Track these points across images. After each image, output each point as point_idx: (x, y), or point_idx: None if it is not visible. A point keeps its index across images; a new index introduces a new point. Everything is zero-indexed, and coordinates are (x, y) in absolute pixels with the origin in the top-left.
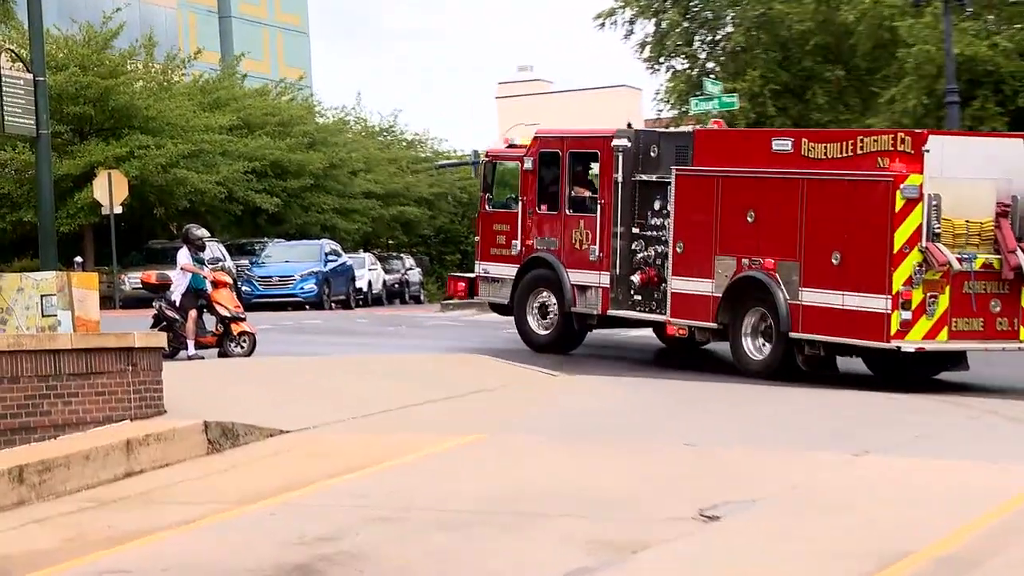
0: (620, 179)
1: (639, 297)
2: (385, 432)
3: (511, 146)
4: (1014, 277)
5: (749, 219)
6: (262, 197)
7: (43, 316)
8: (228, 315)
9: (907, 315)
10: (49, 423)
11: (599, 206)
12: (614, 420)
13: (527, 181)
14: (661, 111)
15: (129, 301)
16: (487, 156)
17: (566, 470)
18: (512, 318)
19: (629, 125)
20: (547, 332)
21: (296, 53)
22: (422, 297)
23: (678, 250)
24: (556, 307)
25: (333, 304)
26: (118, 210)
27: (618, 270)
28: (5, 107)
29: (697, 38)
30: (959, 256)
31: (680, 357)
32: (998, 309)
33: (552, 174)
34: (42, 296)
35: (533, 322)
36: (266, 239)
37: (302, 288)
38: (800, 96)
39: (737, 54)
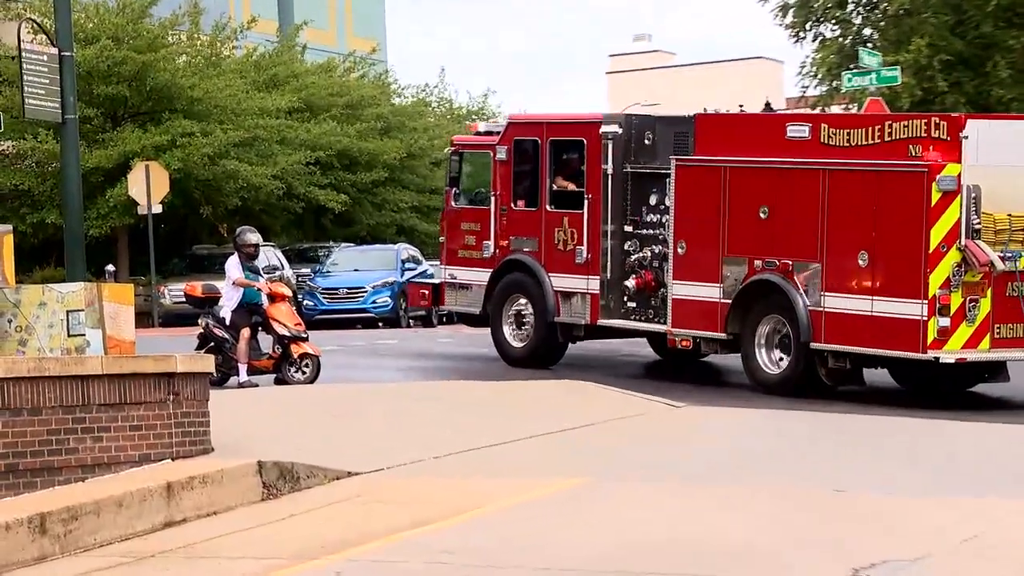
0: (610, 170)
1: (633, 304)
2: (472, 474)
3: (480, 133)
4: None
5: (762, 215)
6: (327, 193)
7: (69, 336)
8: (287, 334)
9: (945, 322)
10: (76, 463)
11: (586, 201)
12: (746, 459)
13: (500, 173)
14: (806, 88)
15: (170, 318)
16: (453, 145)
17: (688, 520)
18: (489, 330)
19: (768, 104)
20: (523, 344)
21: (368, 21)
22: None
23: (679, 251)
24: (533, 316)
25: (411, 321)
26: (157, 209)
27: (609, 274)
28: (26, 87)
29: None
30: (1002, 255)
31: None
32: None
33: (530, 165)
34: (68, 312)
35: (508, 333)
36: (332, 243)
37: (374, 302)
38: (977, 69)
39: (900, 18)
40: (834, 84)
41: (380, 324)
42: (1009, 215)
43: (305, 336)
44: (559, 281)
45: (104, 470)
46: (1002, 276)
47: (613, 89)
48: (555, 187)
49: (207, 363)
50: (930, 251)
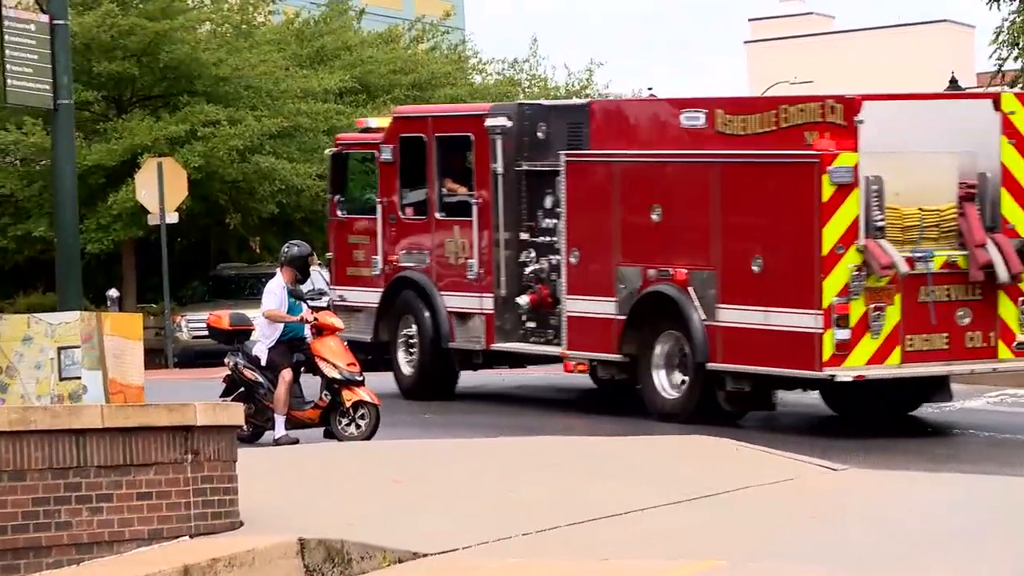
0: (500, 170)
1: (533, 324)
2: (569, 555)
3: (366, 130)
4: (985, 278)
5: (654, 217)
6: None
7: (60, 379)
8: (339, 377)
9: (844, 334)
10: (69, 540)
11: (475, 207)
12: (929, 541)
13: (386, 177)
14: (1003, 59)
15: (188, 356)
16: (336, 145)
17: None
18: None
19: (953, 81)
20: (412, 373)
21: None
22: None
23: (572, 260)
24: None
25: None
26: (173, 218)
27: (504, 290)
28: (8, 65)
29: None
30: (912, 255)
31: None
32: (968, 320)
33: (418, 167)
34: (60, 349)
35: (403, 360)
36: None
37: None
38: None
39: None
40: None
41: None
42: (921, 209)
43: (361, 379)
44: (453, 300)
45: (104, 549)
46: (913, 280)
47: (754, 62)
48: (444, 191)
49: (235, 414)
50: (823, 254)
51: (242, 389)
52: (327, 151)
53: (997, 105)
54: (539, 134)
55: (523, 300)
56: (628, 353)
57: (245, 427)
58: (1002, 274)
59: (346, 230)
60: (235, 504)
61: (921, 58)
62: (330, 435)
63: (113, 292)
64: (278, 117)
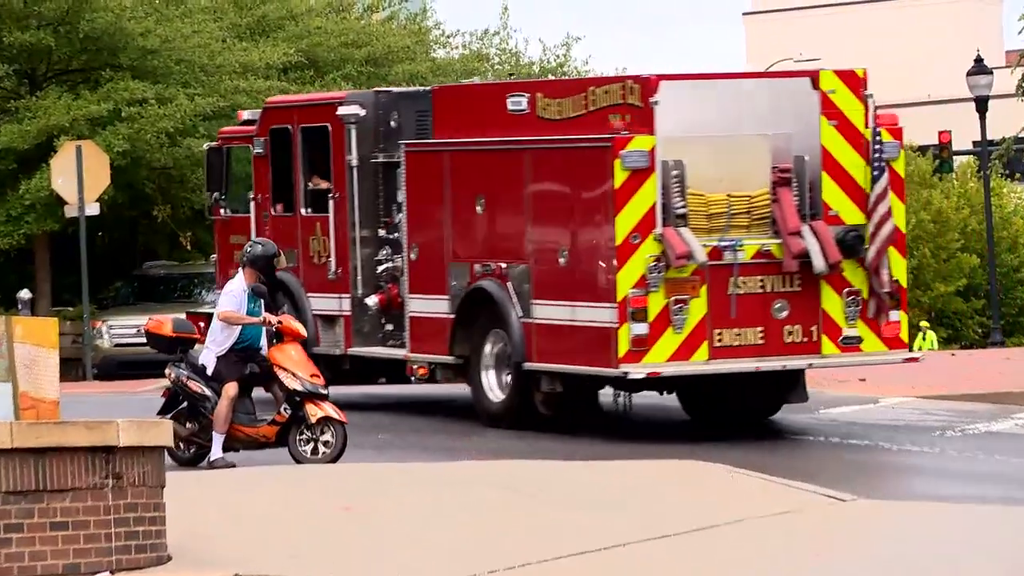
0: (355, 162)
1: (391, 327)
2: None
3: (246, 123)
4: (799, 269)
5: (479, 209)
6: None
7: None
8: (301, 389)
9: (641, 329)
10: None
11: (331, 202)
12: None
13: (259, 172)
14: None
15: (110, 366)
16: (219, 139)
17: None
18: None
19: (979, 60)
20: None
21: None
22: None
23: (412, 257)
24: None
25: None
26: (93, 210)
27: (360, 290)
28: None
29: None
30: (719, 244)
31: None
32: (785, 314)
33: (287, 160)
34: None
35: None
36: None
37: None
38: None
39: None
40: None
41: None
42: (728, 195)
43: (325, 393)
44: (318, 302)
45: None
46: (721, 270)
47: (754, 36)
48: (310, 186)
49: (163, 433)
50: (617, 243)
51: (184, 404)
52: (204, 146)
53: (816, 84)
54: (392, 123)
55: (372, 300)
56: (461, 354)
57: (183, 448)
58: (818, 264)
59: (228, 230)
60: (162, 536)
61: (943, 32)
62: (296, 458)
63: (25, 293)
64: (213, 95)
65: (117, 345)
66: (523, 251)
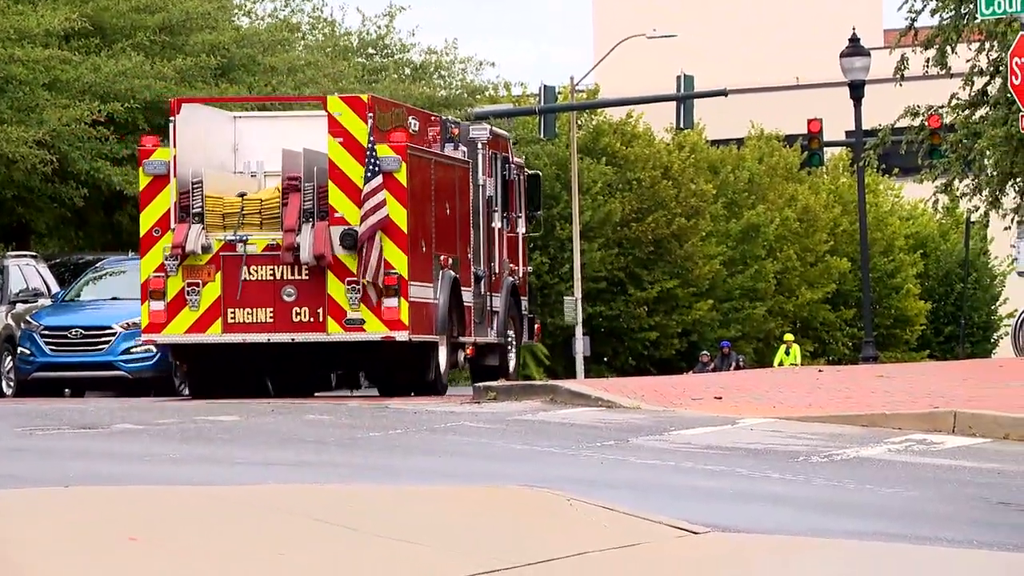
0: None
1: None
2: None
3: None
4: (294, 260)
5: None
6: (127, 172)
7: None
8: None
9: (159, 305)
10: None
11: None
12: None
13: None
14: (916, 13)
15: None
16: None
17: None
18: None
19: (856, 41)
20: None
21: None
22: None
23: None
24: None
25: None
26: None
27: None
28: None
29: None
30: (232, 239)
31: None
32: (293, 297)
33: None
34: None
35: None
36: (130, 254)
37: (126, 352)
38: None
39: None
40: (961, 9)
41: (150, 391)
42: (243, 197)
43: None
44: None
45: None
46: (234, 260)
47: (602, 11)
48: None
49: None
50: (142, 235)
51: None
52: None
53: (325, 106)
54: None
55: None
56: None
57: None
58: (304, 255)
59: None
60: None
61: (818, 13)
62: None
63: None
64: None
65: None
66: None
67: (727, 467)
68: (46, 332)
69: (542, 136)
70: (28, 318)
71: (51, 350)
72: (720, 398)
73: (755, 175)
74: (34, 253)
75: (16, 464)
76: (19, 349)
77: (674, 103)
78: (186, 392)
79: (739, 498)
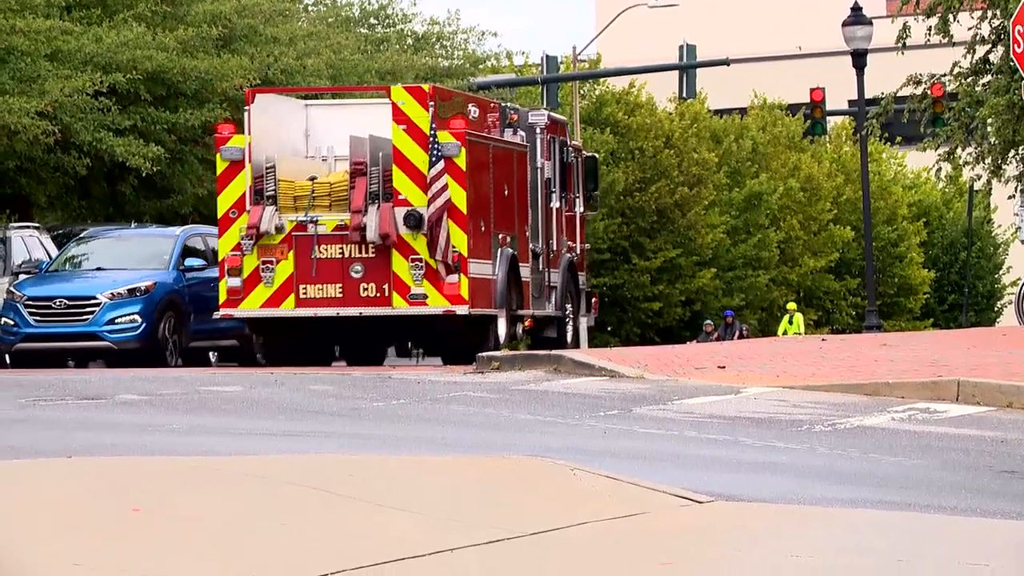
0: None
1: None
2: None
3: None
4: (361, 239)
5: None
6: (128, 143)
7: None
8: None
9: (235, 282)
10: None
11: None
12: None
13: None
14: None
15: None
16: None
17: None
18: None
19: (858, 12)
20: None
21: None
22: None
23: None
24: None
25: (180, 357)
26: None
27: None
28: None
29: None
30: (303, 220)
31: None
32: (361, 274)
33: None
34: None
35: None
36: (134, 225)
37: (111, 322)
38: None
39: None
40: None
41: (134, 361)
42: (313, 181)
43: None
44: None
45: None
46: (305, 240)
47: None
48: None
49: None
50: (219, 216)
51: None
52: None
53: (389, 95)
54: None
55: None
56: None
57: None
58: (370, 234)
59: None
60: None
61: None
62: None
63: None
64: None
65: None
66: None
67: (730, 436)
68: (30, 302)
69: (544, 106)
70: (11, 288)
71: (35, 320)
72: (723, 367)
73: (758, 144)
74: (37, 224)
75: (19, 435)
76: (2, 320)
77: (676, 72)
78: (263, 363)
79: (742, 467)
